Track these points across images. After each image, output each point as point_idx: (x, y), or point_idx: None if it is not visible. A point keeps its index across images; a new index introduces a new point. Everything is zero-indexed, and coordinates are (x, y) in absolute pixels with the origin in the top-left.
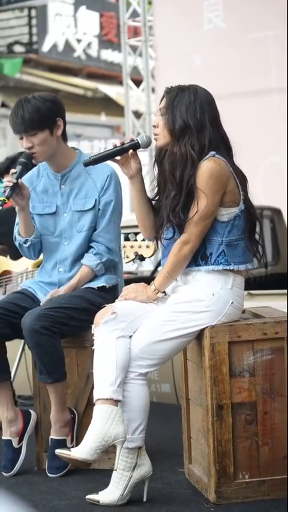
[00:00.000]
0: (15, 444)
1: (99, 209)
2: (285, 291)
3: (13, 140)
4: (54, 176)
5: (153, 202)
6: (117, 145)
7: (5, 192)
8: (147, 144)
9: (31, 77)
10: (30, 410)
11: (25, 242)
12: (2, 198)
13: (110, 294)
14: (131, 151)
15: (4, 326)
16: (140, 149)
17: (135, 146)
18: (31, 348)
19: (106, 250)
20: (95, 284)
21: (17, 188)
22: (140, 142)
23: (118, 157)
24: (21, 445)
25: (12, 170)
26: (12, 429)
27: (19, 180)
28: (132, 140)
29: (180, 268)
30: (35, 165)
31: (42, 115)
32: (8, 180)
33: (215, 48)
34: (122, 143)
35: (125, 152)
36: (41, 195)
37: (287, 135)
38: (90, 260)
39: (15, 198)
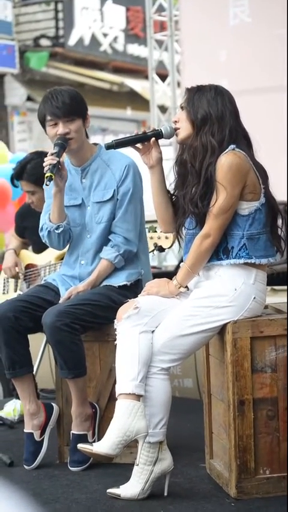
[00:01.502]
0: (36, 437)
1: (117, 199)
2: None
3: (39, 134)
4: (75, 171)
5: (173, 199)
6: (140, 133)
7: (48, 170)
8: (170, 135)
9: (57, 71)
10: (52, 404)
11: (57, 228)
12: (48, 174)
13: (131, 292)
14: (153, 139)
15: (28, 320)
16: (167, 141)
17: (158, 135)
18: (52, 344)
19: (124, 241)
20: (115, 282)
21: (58, 168)
22: (163, 131)
23: (140, 145)
24: (43, 438)
25: (51, 151)
26: (34, 422)
27: (60, 160)
28: (155, 129)
29: (201, 263)
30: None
31: (79, 104)
32: (51, 158)
33: (240, 44)
34: (144, 132)
35: (147, 140)
36: (66, 190)
37: None
38: (108, 253)
39: (56, 178)
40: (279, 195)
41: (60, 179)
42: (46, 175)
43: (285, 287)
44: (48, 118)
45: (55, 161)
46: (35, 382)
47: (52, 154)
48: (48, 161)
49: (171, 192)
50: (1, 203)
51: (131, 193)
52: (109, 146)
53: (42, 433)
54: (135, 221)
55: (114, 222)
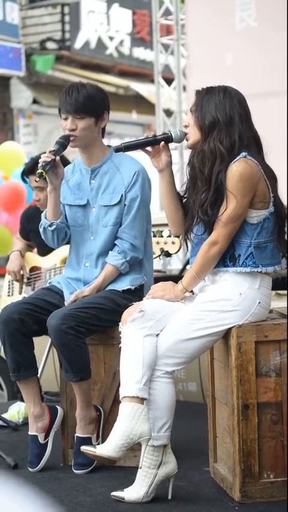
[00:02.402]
0: (41, 440)
1: (125, 204)
2: (287, 292)
3: (44, 137)
4: (86, 171)
5: (184, 200)
6: (150, 137)
7: (41, 166)
8: (180, 139)
9: (63, 74)
10: (57, 406)
11: (50, 225)
12: (39, 171)
13: (135, 296)
14: (162, 143)
15: (32, 322)
16: (172, 144)
17: (168, 139)
18: (57, 348)
19: (130, 248)
20: (120, 287)
21: (53, 166)
22: (173, 135)
23: (149, 149)
24: (47, 441)
25: (51, 148)
26: (39, 424)
27: (57, 158)
28: (165, 133)
29: (208, 269)
30: (67, 146)
31: (95, 103)
32: (47, 155)
33: (247, 48)
34: (154, 136)
35: (157, 143)
36: (73, 189)
37: None
38: (115, 259)
39: (50, 176)
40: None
41: (55, 177)
42: (37, 171)
43: (286, 291)
44: (61, 111)
45: (49, 159)
46: (39, 385)
47: (50, 152)
48: (43, 157)
49: (182, 194)
50: (15, 206)
51: (139, 200)
52: (118, 149)
53: (47, 436)
54: (142, 228)
55: (122, 228)
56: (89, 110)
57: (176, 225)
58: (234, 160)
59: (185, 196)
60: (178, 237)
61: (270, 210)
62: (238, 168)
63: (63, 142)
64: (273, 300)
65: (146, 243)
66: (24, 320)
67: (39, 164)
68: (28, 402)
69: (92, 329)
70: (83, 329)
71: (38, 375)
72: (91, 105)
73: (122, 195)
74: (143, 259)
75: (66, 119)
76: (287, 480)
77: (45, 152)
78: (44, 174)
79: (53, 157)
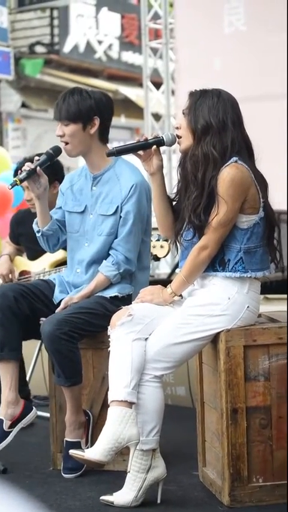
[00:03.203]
0: (5, 426)
1: (120, 216)
2: (286, 296)
3: (33, 141)
4: (89, 177)
5: (174, 204)
6: (141, 141)
7: (20, 174)
8: (172, 142)
9: (52, 78)
10: (33, 407)
11: (38, 231)
12: (14, 179)
13: (123, 303)
14: (154, 147)
15: (26, 306)
16: (164, 147)
17: (160, 142)
18: (51, 353)
19: (124, 260)
20: (107, 293)
21: (34, 175)
22: (164, 139)
23: (141, 152)
24: (11, 432)
25: (36, 158)
26: (9, 411)
27: (38, 168)
28: (156, 136)
29: (197, 273)
30: (55, 158)
31: (79, 109)
32: (28, 165)
33: (235, 52)
34: (146, 139)
35: (148, 147)
36: (76, 194)
37: None
38: (108, 269)
39: (31, 185)
40: (274, 203)
41: (36, 186)
42: (13, 179)
43: (278, 296)
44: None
45: (28, 169)
46: (28, 390)
47: (35, 161)
48: (25, 166)
49: (172, 197)
50: (2, 209)
51: (135, 213)
52: (110, 154)
53: (12, 426)
54: (137, 242)
55: (117, 241)
56: (73, 117)
57: (166, 229)
58: (226, 165)
59: (175, 199)
60: (167, 240)
61: (261, 215)
62: (229, 173)
63: (51, 154)
64: (262, 304)
65: (143, 253)
66: (19, 300)
67: (19, 172)
68: (4, 386)
69: (84, 334)
70: (76, 334)
71: (27, 379)
72: (74, 112)
73: (118, 206)
74: (136, 271)
75: (58, 125)
76: (287, 483)
77: (53, 156)
78: (18, 183)
79: (32, 167)
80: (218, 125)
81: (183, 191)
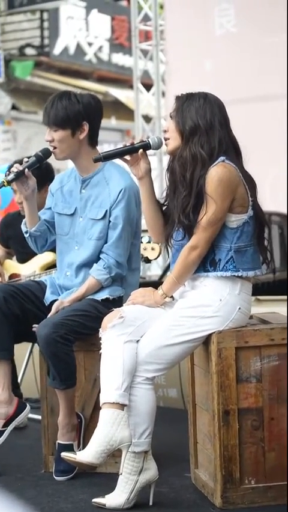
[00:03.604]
0: None
1: (109, 221)
2: (287, 297)
3: (23, 143)
4: (79, 180)
5: (164, 208)
6: (128, 145)
7: (8, 175)
8: (158, 146)
9: (42, 80)
10: (27, 404)
11: (26, 232)
12: (2, 180)
13: (114, 306)
14: (141, 151)
15: (16, 306)
16: (151, 150)
17: (146, 146)
18: (46, 357)
19: (116, 264)
20: (98, 296)
21: (22, 177)
22: (150, 142)
23: (128, 157)
24: (4, 431)
25: (25, 159)
26: (2, 410)
27: (26, 170)
28: (142, 140)
29: (188, 274)
30: (44, 160)
31: (67, 115)
32: (16, 167)
33: (226, 54)
34: (132, 144)
35: (135, 151)
36: (65, 195)
37: None
38: (99, 273)
39: (19, 186)
40: (263, 205)
41: (24, 188)
42: (1, 180)
43: (270, 297)
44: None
45: (17, 170)
46: (20, 392)
47: (24, 163)
48: (13, 168)
49: (162, 202)
50: None
51: (124, 218)
52: (96, 159)
53: (5, 425)
54: (127, 246)
55: (108, 246)
56: (62, 123)
57: (157, 233)
58: (213, 165)
59: (165, 203)
60: (158, 243)
61: (250, 214)
62: (217, 172)
63: (40, 156)
64: (253, 305)
65: (132, 255)
66: (8, 300)
67: (7, 173)
68: None
69: (78, 337)
70: (71, 337)
71: (18, 381)
72: (62, 118)
73: (107, 211)
74: (126, 273)
75: (47, 129)
76: (287, 484)
77: (46, 156)
78: (5, 184)
79: (21, 169)
80: (206, 125)
81: (172, 194)
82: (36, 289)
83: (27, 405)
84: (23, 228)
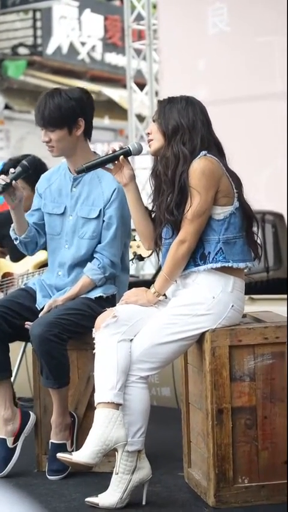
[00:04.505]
0: (9, 443)
1: (103, 220)
2: (286, 296)
3: (16, 142)
4: (69, 177)
5: (152, 214)
6: (109, 153)
7: None
8: (138, 151)
9: (35, 80)
10: (30, 412)
11: (16, 239)
12: None
13: (108, 304)
14: (122, 157)
15: (7, 326)
16: (144, 151)
17: (127, 153)
18: (40, 355)
19: (110, 264)
20: (92, 295)
21: (9, 188)
22: (131, 148)
23: (111, 166)
24: (16, 445)
25: (11, 170)
26: (8, 428)
27: (13, 182)
28: (122, 147)
29: (178, 269)
30: (30, 170)
31: (63, 114)
32: (3, 178)
33: (219, 53)
34: (114, 151)
35: (116, 159)
36: (54, 194)
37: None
38: (93, 273)
39: (6, 198)
40: (258, 204)
41: (12, 198)
42: None
43: (263, 296)
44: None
45: (4, 183)
46: (13, 391)
47: (11, 174)
48: (0, 179)
49: (149, 208)
50: None
51: (118, 217)
52: (79, 171)
53: (16, 440)
54: (120, 246)
55: (102, 246)
56: (58, 122)
57: (148, 239)
58: (195, 159)
59: (153, 209)
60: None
61: (236, 206)
62: (199, 165)
63: (26, 166)
64: (246, 304)
65: (124, 255)
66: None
67: None
68: None
69: (72, 335)
70: (65, 336)
71: (12, 381)
72: (58, 117)
73: (100, 210)
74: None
75: (42, 130)
76: (287, 483)
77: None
78: None
79: (8, 181)
80: (188, 124)
81: (157, 195)
82: (26, 298)
83: (31, 414)
84: (12, 234)
